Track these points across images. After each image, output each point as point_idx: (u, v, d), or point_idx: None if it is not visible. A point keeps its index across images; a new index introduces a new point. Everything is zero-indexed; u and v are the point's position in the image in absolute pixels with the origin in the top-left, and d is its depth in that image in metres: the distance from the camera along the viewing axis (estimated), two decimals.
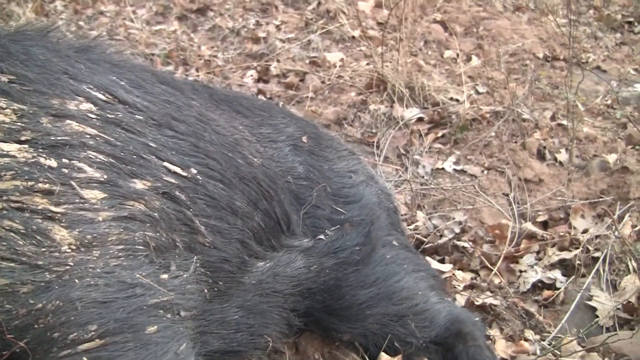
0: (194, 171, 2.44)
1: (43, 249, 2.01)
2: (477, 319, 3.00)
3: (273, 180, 2.76)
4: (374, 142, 4.74)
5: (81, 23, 6.18)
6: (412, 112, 5.00)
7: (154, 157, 2.34)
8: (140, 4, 6.66)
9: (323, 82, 5.25)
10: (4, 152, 2.05)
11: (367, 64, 5.41)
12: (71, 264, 2.03)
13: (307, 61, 5.52)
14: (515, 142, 4.72)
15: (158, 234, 2.24)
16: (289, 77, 5.34)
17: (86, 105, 2.29)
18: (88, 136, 2.21)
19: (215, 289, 2.50)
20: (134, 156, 2.28)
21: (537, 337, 3.39)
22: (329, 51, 5.73)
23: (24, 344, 1.96)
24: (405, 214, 4.14)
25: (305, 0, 6.49)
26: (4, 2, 6.27)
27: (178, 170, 2.38)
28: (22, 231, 1.99)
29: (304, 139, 3.16)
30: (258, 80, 5.38)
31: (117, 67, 2.64)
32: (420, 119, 5.01)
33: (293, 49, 5.66)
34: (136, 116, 2.40)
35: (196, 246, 2.39)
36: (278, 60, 5.49)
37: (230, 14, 6.30)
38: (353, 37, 5.87)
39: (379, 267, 3.06)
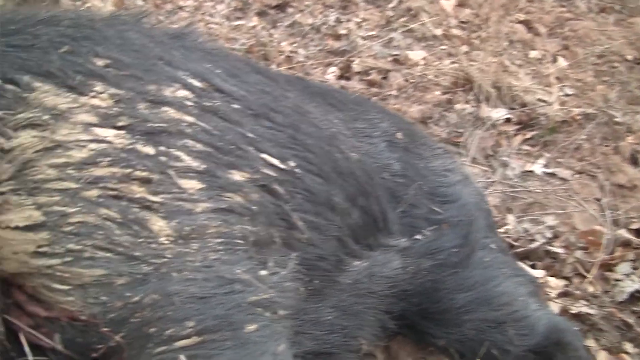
0: (292, 164, 2.34)
1: (140, 240, 1.92)
2: (576, 328, 2.83)
3: (370, 177, 2.65)
4: (460, 142, 4.61)
5: (161, 17, 6.12)
6: (499, 113, 4.86)
7: (251, 148, 2.24)
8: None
9: (406, 80, 5.14)
10: (101, 138, 1.97)
11: (451, 63, 5.26)
12: (169, 256, 1.94)
13: (389, 59, 5.39)
14: (607, 146, 4.55)
15: (257, 228, 2.14)
16: (371, 74, 5.23)
17: (183, 92, 2.21)
18: (185, 124, 2.13)
19: (310, 288, 2.40)
20: (232, 146, 2.18)
21: (637, 350, 3.21)
22: (410, 49, 5.62)
23: (119, 338, 1.86)
24: (494, 217, 3.98)
25: None
26: None
27: (276, 162, 2.29)
28: (118, 220, 1.91)
29: (399, 135, 3.05)
30: (340, 77, 5.27)
31: (212, 55, 2.55)
32: (507, 120, 4.88)
33: (375, 46, 5.53)
34: (233, 105, 2.30)
35: (293, 242, 2.29)
36: (360, 58, 5.37)
37: (310, 10, 6.20)
38: (435, 35, 5.72)
39: (478, 270, 2.93)
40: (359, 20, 5.94)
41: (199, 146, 2.12)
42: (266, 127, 2.38)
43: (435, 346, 3.03)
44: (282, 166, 2.32)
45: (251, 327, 2.02)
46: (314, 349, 2.51)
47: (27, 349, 1.86)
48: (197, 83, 2.29)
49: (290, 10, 6.12)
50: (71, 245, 1.86)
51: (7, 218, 1.86)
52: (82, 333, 1.88)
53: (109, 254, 1.89)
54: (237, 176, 2.16)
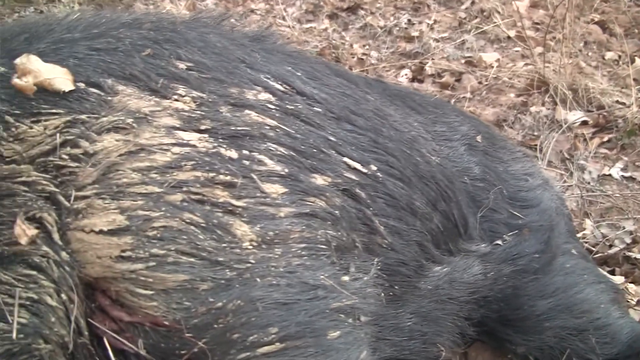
0: (374, 168, 2.30)
1: (224, 245, 1.90)
2: None
3: (451, 181, 2.60)
4: (536, 145, 4.52)
5: (232, 20, 6.13)
6: (575, 115, 4.77)
7: (333, 151, 2.22)
8: (290, 2, 6.60)
9: (480, 83, 5.06)
10: (184, 141, 1.96)
11: (525, 65, 5.17)
12: (252, 261, 1.92)
13: (462, 61, 5.33)
14: None
15: (339, 233, 2.11)
16: (444, 76, 5.18)
17: (264, 95, 2.19)
18: (268, 127, 2.11)
19: (391, 294, 2.36)
20: (314, 150, 2.16)
21: None
22: (483, 51, 5.55)
23: (203, 344, 1.84)
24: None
25: (458, 0, 6.30)
26: (158, 0, 6.30)
27: (358, 166, 2.26)
28: (202, 225, 1.89)
29: (479, 138, 2.99)
30: (413, 80, 5.23)
31: (292, 57, 2.53)
32: (584, 123, 4.78)
33: (447, 48, 5.47)
34: (315, 108, 2.28)
35: (374, 247, 2.25)
36: (433, 60, 5.31)
37: (382, 12, 6.17)
38: (508, 37, 5.64)
39: (559, 276, 2.86)
40: (431, 22, 5.89)
41: (282, 150, 2.10)
42: (347, 130, 2.35)
43: (514, 353, 2.97)
44: (364, 170, 2.29)
45: (334, 334, 1.99)
46: (393, 356, 2.48)
47: (110, 353, 1.85)
48: (278, 86, 2.27)
49: (361, 12, 6.10)
50: (155, 250, 1.85)
51: (91, 222, 1.86)
52: (165, 338, 1.87)
53: (192, 259, 1.87)
54: (319, 180, 2.13)
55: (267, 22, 6.26)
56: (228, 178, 1.95)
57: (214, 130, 2.01)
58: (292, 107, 2.21)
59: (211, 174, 1.94)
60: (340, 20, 6.24)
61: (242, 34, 2.51)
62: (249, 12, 6.52)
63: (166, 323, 1.86)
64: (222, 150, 1.98)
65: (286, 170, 2.06)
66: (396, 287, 2.38)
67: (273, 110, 2.16)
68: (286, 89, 2.27)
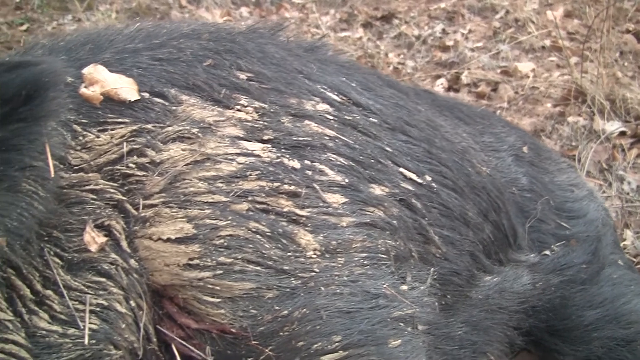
0: (428, 178, 2.33)
1: (289, 254, 1.93)
2: None
3: (500, 191, 2.62)
4: (574, 155, 4.52)
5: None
6: (613, 126, 4.76)
7: (390, 162, 2.24)
8: (324, 11, 6.63)
9: (516, 92, 5.07)
10: (249, 151, 1.98)
11: (561, 75, 5.17)
12: (317, 270, 1.94)
13: (498, 71, 5.33)
14: None
15: (397, 243, 2.14)
16: (480, 86, 5.18)
17: (323, 106, 2.21)
18: (327, 138, 2.13)
19: (443, 303, 2.39)
20: (372, 160, 2.19)
21: None
22: (518, 61, 5.55)
23: (269, 351, 1.87)
24: None
25: (493, 9, 6.31)
26: (193, 8, 6.35)
27: (414, 177, 2.28)
28: (268, 234, 1.92)
29: (525, 149, 3.01)
30: (448, 89, 5.24)
31: (345, 68, 2.56)
32: (622, 133, 4.77)
33: (482, 57, 5.48)
34: (370, 119, 2.31)
35: (429, 257, 2.28)
36: (469, 69, 5.33)
37: (416, 21, 6.20)
38: (543, 47, 5.64)
39: (606, 287, 2.87)
40: (465, 31, 5.90)
41: (342, 160, 2.12)
42: (402, 141, 2.37)
43: None
44: (419, 180, 2.31)
45: (395, 342, 2.02)
46: None
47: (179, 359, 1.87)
48: (335, 97, 2.30)
49: (395, 21, 6.13)
50: (222, 259, 1.88)
51: (158, 230, 1.89)
52: (232, 346, 1.89)
53: (258, 268, 1.90)
54: (377, 190, 2.15)
55: (301, 30, 6.29)
56: (292, 188, 1.97)
57: (276, 141, 2.04)
58: (350, 118, 2.23)
59: (276, 184, 1.96)
60: (374, 29, 6.26)
61: (297, 44, 2.53)
62: (283, 21, 6.54)
63: (233, 330, 1.88)
64: (285, 161, 2.01)
65: (346, 180, 2.08)
66: (448, 297, 2.40)
67: (331, 121, 2.18)
68: (343, 99, 2.30)
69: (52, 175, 1.77)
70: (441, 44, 5.86)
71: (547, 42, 5.76)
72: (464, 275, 2.44)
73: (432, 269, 2.25)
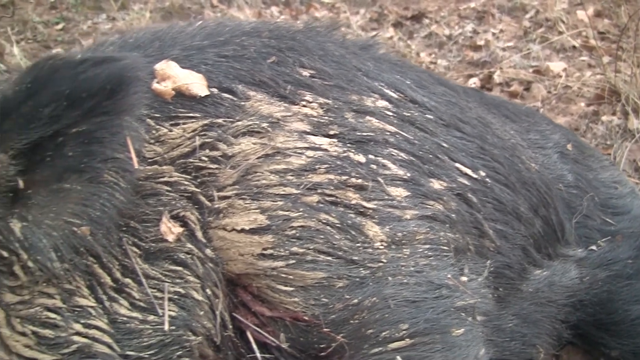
0: (482, 174, 2.38)
1: (358, 245, 1.99)
2: None
3: (549, 187, 2.68)
4: (609, 154, 4.54)
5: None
6: None
7: (447, 157, 2.30)
8: (354, 10, 6.68)
9: (549, 92, 5.10)
10: (317, 146, 2.05)
11: (593, 75, 5.20)
12: (384, 260, 2.00)
13: (530, 70, 5.37)
14: None
15: (456, 236, 2.20)
16: (513, 85, 5.22)
17: (382, 103, 2.28)
18: (388, 133, 2.19)
19: (495, 295, 2.44)
20: (430, 156, 2.25)
21: None
22: (549, 60, 5.57)
23: (341, 338, 1.93)
24: None
25: (523, 9, 6.34)
26: (225, 8, 6.41)
27: (469, 172, 2.34)
28: (337, 225, 1.98)
29: (569, 146, 3.06)
30: (481, 88, 5.27)
31: (398, 66, 2.61)
32: None
33: (513, 57, 5.52)
34: (427, 115, 2.37)
35: (484, 250, 2.34)
36: (501, 69, 5.37)
37: (446, 21, 6.24)
38: (574, 46, 5.68)
39: None
40: (496, 31, 5.93)
41: (403, 155, 2.18)
42: (457, 137, 2.43)
43: (607, 357, 3.02)
44: (474, 175, 2.36)
45: (458, 331, 2.08)
46: (495, 356, 2.54)
47: (254, 346, 1.94)
48: (392, 94, 2.36)
49: (425, 21, 6.17)
50: (295, 249, 1.94)
51: (232, 221, 1.95)
52: (305, 333, 1.96)
53: (329, 258, 1.96)
54: (436, 185, 2.21)
55: None
56: (359, 181, 2.03)
57: (341, 135, 2.10)
58: (408, 114, 2.29)
59: (343, 177, 2.02)
60: (404, 28, 6.31)
61: (352, 42, 2.59)
62: (313, 20, 6.59)
63: (306, 318, 1.95)
64: (351, 155, 2.07)
65: (408, 174, 2.14)
66: (500, 289, 2.45)
67: (391, 117, 2.24)
68: (400, 96, 2.35)
69: (136, 167, 1.83)
70: (472, 43, 5.90)
71: (578, 42, 5.78)
72: (515, 269, 2.49)
73: (488, 262, 2.29)
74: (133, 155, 1.83)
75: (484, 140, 2.50)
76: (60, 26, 6.05)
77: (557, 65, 5.47)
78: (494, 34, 6.03)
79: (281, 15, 6.68)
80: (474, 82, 5.35)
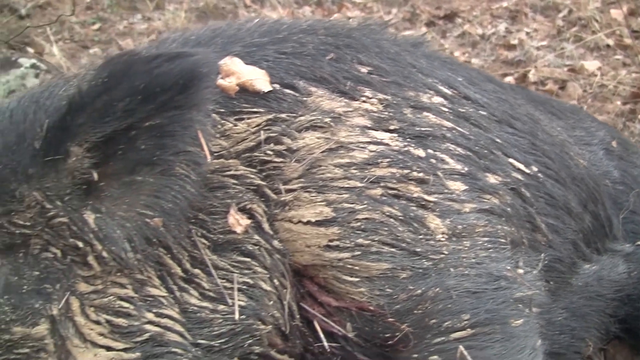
0: (534, 169, 2.42)
1: (420, 237, 2.04)
2: None
3: (597, 183, 2.71)
4: None
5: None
6: None
7: (500, 153, 2.34)
8: (386, 10, 6.70)
9: (585, 91, 5.11)
10: (378, 140, 2.09)
11: (628, 73, 5.21)
12: (446, 252, 2.05)
13: (565, 69, 5.38)
14: None
15: (512, 229, 2.24)
16: (548, 84, 5.23)
17: (437, 99, 2.32)
18: (445, 128, 2.24)
19: (546, 289, 2.46)
20: (486, 151, 2.29)
21: None
22: (583, 59, 5.58)
23: (405, 327, 1.98)
24: None
25: (556, 8, 6.35)
26: (258, 7, 6.46)
27: (522, 167, 2.38)
28: (400, 218, 2.03)
29: (614, 143, 3.10)
30: None
31: (448, 63, 2.66)
32: None
33: (547, 56, 5.53)
34: (480, 112, 2.41)
35: (536, 244, 2.38)
36: (536, 67, 5.39)
37: (479, 20, 6.25)
38: (608, 45, 5.68)
39: None
40: (529, 30, 5.94)
41: (460, 150, 2.22)
42: (509, 133, 2.47)
43: None
44: (527, 170, 2.40)
45: (517, 322, 2.12)
46: (544, 349, 2.57)
47: (322, 335, 1.98)
48: (447, 90, 2.40)
49: (458, 20, 6.18)
50: (360, 240, 1.99)
51: (298, 213, 2.00)
52: (370, 323, 2.00)
53: (393, 249, 2.01)
54: (492, 179, 2.25)
55: None
56: (420, 175, 2.08)
57: (401, 130, 2.15)
58: (463, 110, 2.33)
59: (405, 171, 2.07)
60: (437, 28, 6.32)
61: (404, 40, 2.63)
62: (346, 19, 6.61)
63: (371, 308, 1.99)
64: (411, 149, 2.12)
65: (465, 169, 2.18)
66: (551, 283, 2.49)
67: (447, 113, 2.29)
68: (454, 93, 2.40)
69: (208, 160, 1.88)
70: (506, 42, 5.92)
71: (612, 41, 5.78)
72: (566, 263, 2.53)
73: (542, 255, 2.33)
74: (205, 148, 1.88)
75: (534, 136, 2.53)
76: (96, 26, 6.12)
77: (591, 64, 5.47)
78: (527, 33, 6.04)
79: (314, 15, 6.71)
80: (509, 81, 5.35)
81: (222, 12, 6.17)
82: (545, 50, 5.58)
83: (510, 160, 2.36)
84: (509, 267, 2.13)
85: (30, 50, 5.52)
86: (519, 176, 2.35)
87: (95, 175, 1.82)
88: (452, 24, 6.32)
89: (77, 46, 5.73)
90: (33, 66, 4.84)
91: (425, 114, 2.22)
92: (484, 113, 2.41)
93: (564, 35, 5.82)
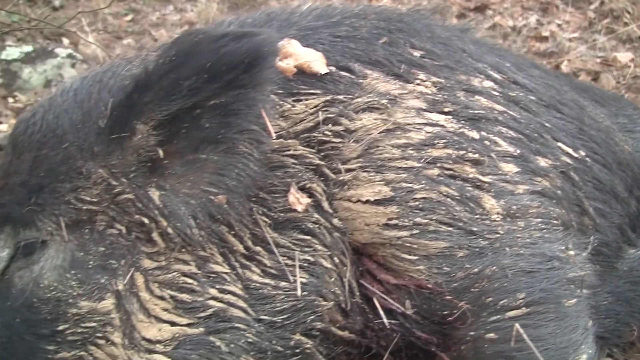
0: (582, 153, 2.45)
1: (476, 216, 2.07)
2: None
3: None
4: None
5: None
6: None
7: (549, 136, 2.37)
8: (417, 1, 6.70)
9: (618, 82, 5.11)
10: (434, 122, 2.12)
11: None
12: (501, 232, 2.08)
13: (597, 60, 5.38)
14: None
15: (562, 212, 2.26)
16: (581, 75, 5.23)
17: (488, 83, 2.35)
18: (496, 112, 2.27)
19: (594, 272, 2.47)
20: (536, 134, 2.32)
21: None
22: (616, 51, 5.57)
23: (463, 305, 2.01)
24: None
25: (587, 0, 6.33)
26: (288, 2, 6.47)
27: (570, 151, 2.40)
28: (457, 197, 2.06)
29: None
30: None
31: (495, 49, 2.69)
32: None
33: (579, 48, 5.53)
34: (529, 96, 2.44)
35: (583, 228, 2.39)
36: (568, 60, 5.39)
37: (510, 12, 6.25)
38: None
39: None
40: (560, 22, 5.94)
41: (511, 133, 2.25)
42: (557, 117, 2.49)
43: None
44: (575, 155, 2.43)
45: (570, 302, 2.14)
46: (594, 330, 2.59)
47: (381, 312, 2.02)
48: (496, 75, 2.43)
49: (489, 12, 6.17)
50: (418, 219, 2.02)
51: (357, 193, 2.04)
52: (428, 300, 2.04)
53: (450, 228, 2.04)
54: (542, 162, 2.28)
55: None
56: (475, 156, 2.11)
57: (455, 113, 2.18)
58: (513, 95, 2.36)
59: (461, 152, 2.10)
60: (468, 19, 6.31)
61: (452, 26, 2.66)
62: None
63: (429, 286, 2.03)
64: (466, 131, 2.15)
65: (518, 151, 2.21)
66: (598, 267, 2.49)
67: (498, 97, 2.32)
68: (503, 77, 2.43)
69: (273, 137, 1.92)
70: (537, 34, 5.91)
71: None
72: (612, 247, 2.54)
73: (592, 238, 2.35)
74: (269, 126, 1.91)
75: (581, 122, 2.56)
76: (129, 17, 6.16)
77: (624, 56, 5.46)
78: (558, 25, 6.03)
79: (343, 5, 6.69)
80: None
81: (253, 3, 6.19)
82: (577, 42, 5.58)
83: (559, 144, 2.38)
84: (561, 248, 2.15)
85: (66, 41, 5.56)
86: (568, 160, 2.37)
87: (161, 153, 1.86)
88: (482, 16, 6.32)
89: (111, 37, 5.77)
90: (69, 56, 4.90)
91: (477, 97, 2.26)
92: (533, 98, 2.43)
93: (595, 27, 5.81)
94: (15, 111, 4.59)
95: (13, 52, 5.01)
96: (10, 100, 4.72)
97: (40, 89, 4.82)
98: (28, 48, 5.09)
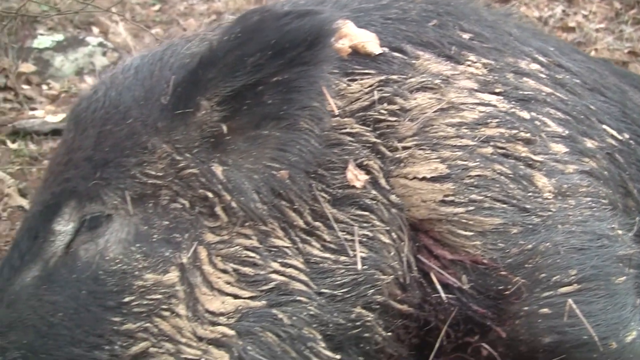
0: (627, 136, 2.49)
1: (529, 194, 2.11)
2: None
3: None
4: None
5: None
6: None
7: (595, 119, 2.41)
8: None
9: None
10: (486, 102, 2.16)
11: None
12: (553, 210, 2.12)
13: (625, 51, 5.40)
14: None
15: (610, 192, 2.30)
16: None
17: (534, 65, 2.39)
18: (544, 93, 2.31)
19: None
20: (582, 116, 2.36)
21: None
22: None
23: (518, 280, 2.05)
24: None
25: None
26: None
27: (615, 133, 2.45)
28: (510, 175, 2.10)
29: None
30: None
31: (538, 33, 2.73)
32: None
33: (607, 38, 5.54)
34: (574, 80, 2.48)
35: (627, 209, 2.43)
36: (596, 50, 5.42)
37: (535, 3, 6.25)
38: None
39: None
40: (586, 12, 5.95)
41: (560, 114, 2.30)
42: (601, 101, 2.54)
43: None
44: (619, 137, 2.47)
45: (620, 279, 2.18)
46: None
47: (438, 286, 2.06)
48: (542, 58, 2.47)
49: (514, 2, 6.17)
50: (473, 196, 2.07)
51: (413, 170, 2.08)
52: (483, 275, 2.08)
53: (504, 205, 2.08)
54: (589, 143, 2.32)
55: None
56: (527, 135, 2.16)
57: (505, 93, 2.22)
58: (560, 77, 2.41)
59: (513, 131, 2.15)
60: None
61: (496, 9, 2.70)
62: None
63: (485, 261, 2.07)
64: (517, 111, 2.20)
65: (566, 132, 2.26)
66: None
67: (545, 79, 2.36)
68: (548, 61, 2.47)
69: (336, 112, 1.96)
70: (564, 25, 5.91)
71: None
72: None
73: (637, 219, 2.39)
74: (332, 103, 1.96)
75: (624, 105, 2.60)
76: (157, 7, 6.20)
77: None
78: (584, 15, 6.03)
79: None
80: None
81: None
82: (604, 33, 5.59)
83: (604, 126, 2.42)
84: (610, 227, 2.20)
85: (96, 29, 5.61)
86: (613, 142, 2.41)
87: (225, 129, 1.90)
88: (508, 6, 6.30)
89: (139, 26, 5.80)
90: (100, 44, 4.95)
91: (525, 79, 2.30)
92: (577, 81, 2.47)
93: (622, 18, 5.82)
94: (50, 98, 4.64)
95: (45, 40, 5.06)
96: (44, 87, 4.76)
97: (72, 77, 4.86)
98: (59, 37, 5.13)
